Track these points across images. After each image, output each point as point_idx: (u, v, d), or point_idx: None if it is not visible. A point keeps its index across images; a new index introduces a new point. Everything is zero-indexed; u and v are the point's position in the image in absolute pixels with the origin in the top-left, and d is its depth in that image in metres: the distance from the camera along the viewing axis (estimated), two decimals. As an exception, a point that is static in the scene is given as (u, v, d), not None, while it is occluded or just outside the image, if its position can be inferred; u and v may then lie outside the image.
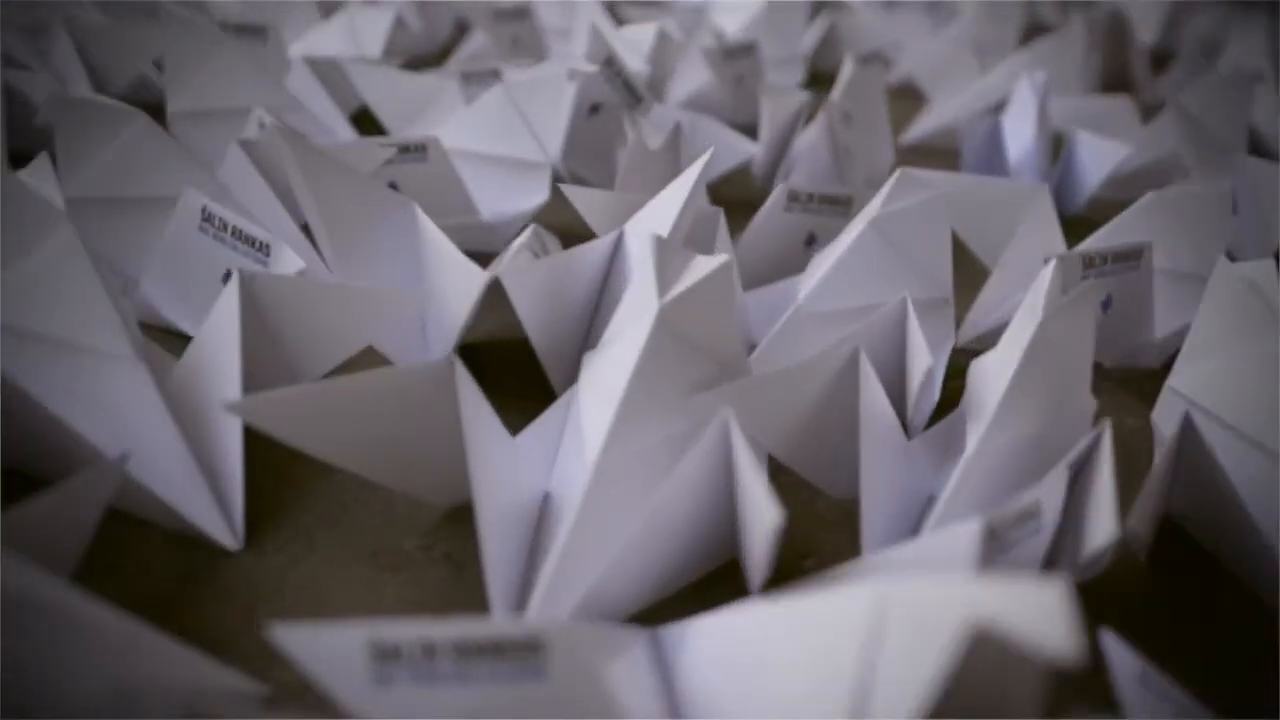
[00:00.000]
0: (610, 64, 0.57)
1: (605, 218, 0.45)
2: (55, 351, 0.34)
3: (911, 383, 0.38)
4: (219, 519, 0.33)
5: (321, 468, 0.35)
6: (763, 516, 0.27)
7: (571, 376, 0.43)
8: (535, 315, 0.39)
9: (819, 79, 0.91)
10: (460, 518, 0.36)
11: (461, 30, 0.93)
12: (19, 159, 0.50)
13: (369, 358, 0.39)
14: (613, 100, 0.58)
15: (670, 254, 0.35)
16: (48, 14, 0.68)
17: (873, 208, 0.45)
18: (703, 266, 0.35)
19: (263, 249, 0.42)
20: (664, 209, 0.41)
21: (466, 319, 0.39)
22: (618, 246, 0.43)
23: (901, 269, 0.44)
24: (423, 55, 0.84)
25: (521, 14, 0.80)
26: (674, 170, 0.49)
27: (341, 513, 0.36)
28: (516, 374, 0.41)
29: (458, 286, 0.39)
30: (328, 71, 0.64)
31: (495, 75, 0.63)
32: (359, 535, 0.35)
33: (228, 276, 0.43)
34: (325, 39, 0.72)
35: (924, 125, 0.82)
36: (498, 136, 0.55)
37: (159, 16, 0.74)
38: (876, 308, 0.43)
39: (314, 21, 0.77)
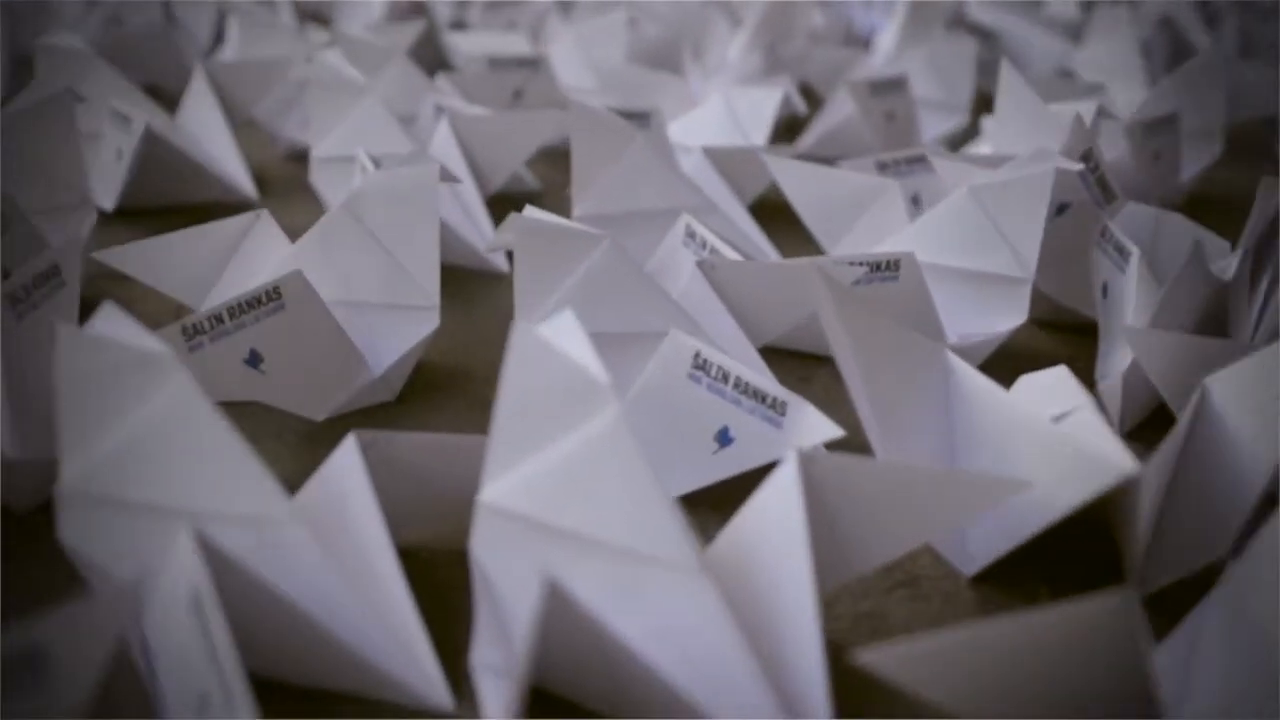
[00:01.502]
0: (1088, 158, 0.50)
1: (1170, 367, 0.38)
2: (607, 557, 0.29)
3: None
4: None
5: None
6: None
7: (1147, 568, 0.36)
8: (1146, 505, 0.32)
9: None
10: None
11: (810, 100, 0.87)
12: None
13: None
14: (1083, 198, 0.51)
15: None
16: (418, 103, 0.65)
17: None
18: None
19: (777, 407, 0.36)
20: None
21: (1063, 515, 0.32)
22: (1200, 408, 0.36)
23: None
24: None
25: (897, 85, 0.74)
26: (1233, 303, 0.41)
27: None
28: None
29: (1057, 473, 0.32)
30: (728, 163, 0.59)
31: (920, 162, 0.57)
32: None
33: (723, 435, 0.38)
34: (704, 124, 0.67)
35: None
36: (966, 247, 0.48)
37: (527, 104, 0.71)
38: None
39: (685, 104, 0.72)
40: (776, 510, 0.30)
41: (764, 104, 0.65)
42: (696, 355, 0.38)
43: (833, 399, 0.46)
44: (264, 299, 0.40)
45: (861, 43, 1.04)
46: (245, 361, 0.41)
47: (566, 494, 0.30)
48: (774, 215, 0.60)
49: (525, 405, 0.30)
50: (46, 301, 0.40)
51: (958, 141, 0.78)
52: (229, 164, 0.66)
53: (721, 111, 0.66)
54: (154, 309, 0.53)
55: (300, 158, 0.74)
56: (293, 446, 0.42)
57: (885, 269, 0.45)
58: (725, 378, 0.37)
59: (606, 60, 0.78)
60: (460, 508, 0.38)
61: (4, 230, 0.52)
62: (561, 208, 0.68)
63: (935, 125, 0.78)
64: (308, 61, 0.59)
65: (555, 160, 0.67)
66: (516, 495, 0.30)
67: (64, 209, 0.53)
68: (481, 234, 0.58)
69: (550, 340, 0.30)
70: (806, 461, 0.30)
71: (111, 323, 0.31)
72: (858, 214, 0.52)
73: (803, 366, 0.49)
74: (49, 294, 0.40)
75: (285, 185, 0.70)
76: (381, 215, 0.45)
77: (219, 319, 0.40)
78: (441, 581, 0.34)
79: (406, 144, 0.59)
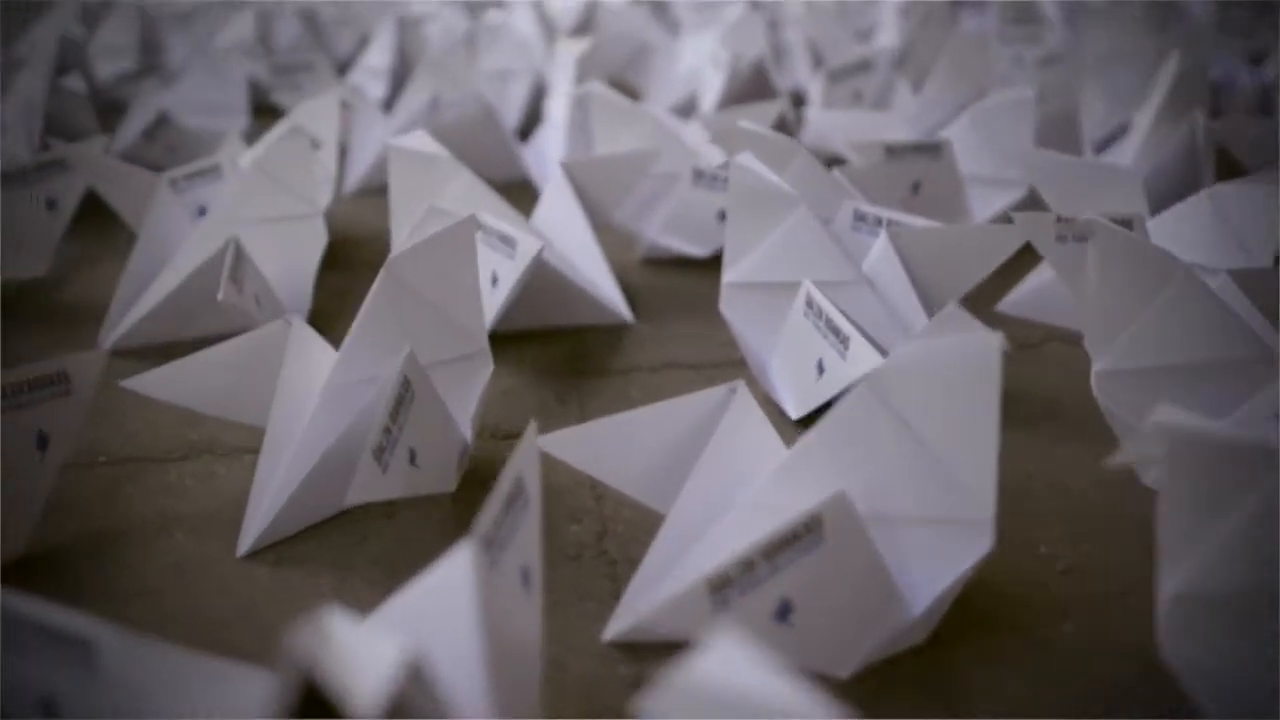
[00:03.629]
0: None
1: None
2: None
3: None
4: None
5: None
6: None
7: None
8: None
9: None
10: None
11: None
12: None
13: None
14: None
15: None
16: (830, 205, 0.54)
17: None
18: None
19: None
20: None
21: None
22: None
23: None
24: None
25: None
26: None
27: None
28: None
29: None
30: (1254, 288, 0.45)
31: None
32: None
33: None
34: (1185, 232, 0.53)
35: None
36: None
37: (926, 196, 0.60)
38: None
39: (1133, 198, 0.58)
40: None
41: (1264, 206, 0.52)
42: None
43: None
44: (801, 532, 0.30)
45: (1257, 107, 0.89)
46: (774, 616, 0.30)
47: None
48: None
49: None
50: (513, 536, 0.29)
51: None
52: (600, 280, 0.57)
53: (1208, 216, 0.53)
54: (564, 480, 0.43)
55: (665, 264, 0.65)
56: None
57: None
58: None
59: (1013, 143, 0.65)
60: None
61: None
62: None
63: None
64: (730, 165, 0.48)
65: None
66: None
67: (460, 360, 0.43)
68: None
69: None
70: None
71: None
72: None
73: None
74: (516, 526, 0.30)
75: (658, 302, 0.60)
76: (918, 400, 0.33)
77: (749, 565, 0.29)
78: None
79: (846, 266, 0.48)
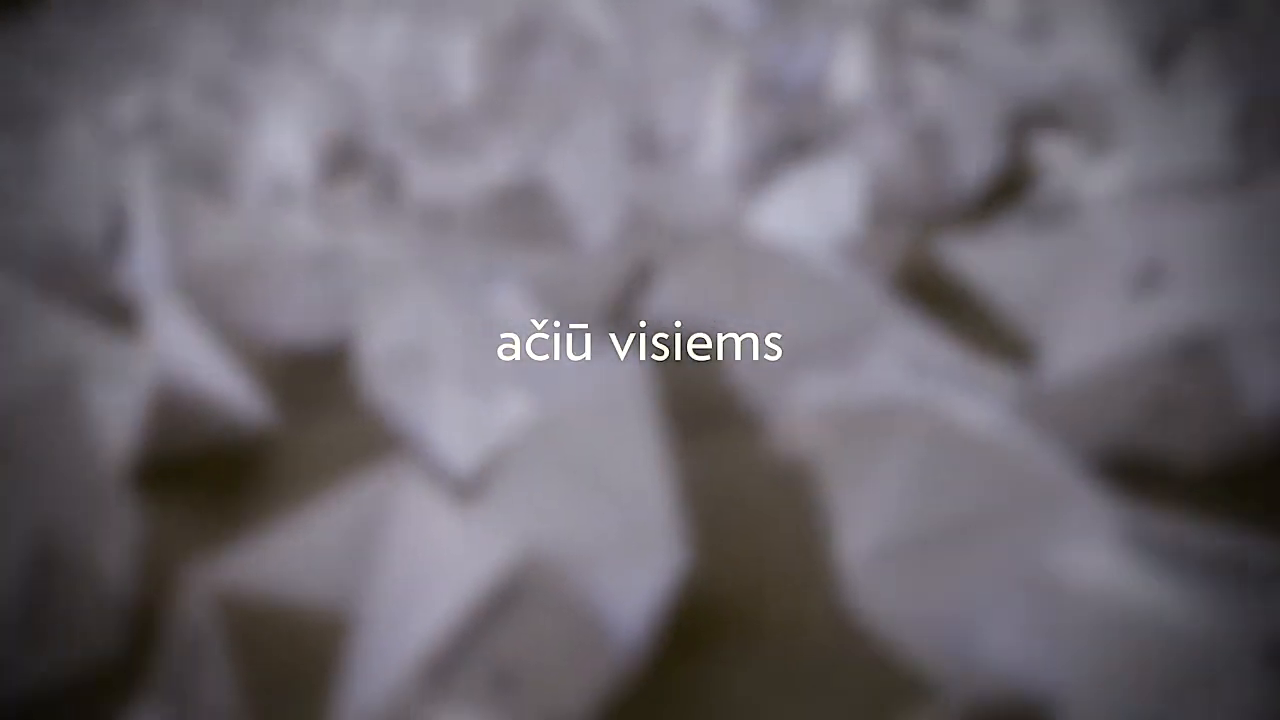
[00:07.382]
0: None
1: None
2: None
3: None
4: None
5: None
6: None
7: None
8: None
9: None
10: None
11: None
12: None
13: None
14: None
15: None
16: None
17: None
18: None
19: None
20: None
21: None
22: None
23: None
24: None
25: None
26: None
27: None
28: None
29: None
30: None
31: None
32: None
33: None
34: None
35: None
36: None
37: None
38: None
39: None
40: None
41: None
42: None
43: None
44: (496, 599, 0.29)
45: None
46: (493, 688, 0.30)
47: None
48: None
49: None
50: None
51: None
52: (230, 385, 0.54)
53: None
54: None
55: (299, 360, 0.63)
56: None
57: None
58: None
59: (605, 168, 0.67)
60: None
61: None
62: None
63: None
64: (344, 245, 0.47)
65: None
66: None
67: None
68: None
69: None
70: None
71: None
72: None
73: None
74: None
75: (296, 400, 0.57)
76: (579, 440, 0.34)
77: (456, 645, 0.29)
78: None
79: (472, 312, 0.47)
